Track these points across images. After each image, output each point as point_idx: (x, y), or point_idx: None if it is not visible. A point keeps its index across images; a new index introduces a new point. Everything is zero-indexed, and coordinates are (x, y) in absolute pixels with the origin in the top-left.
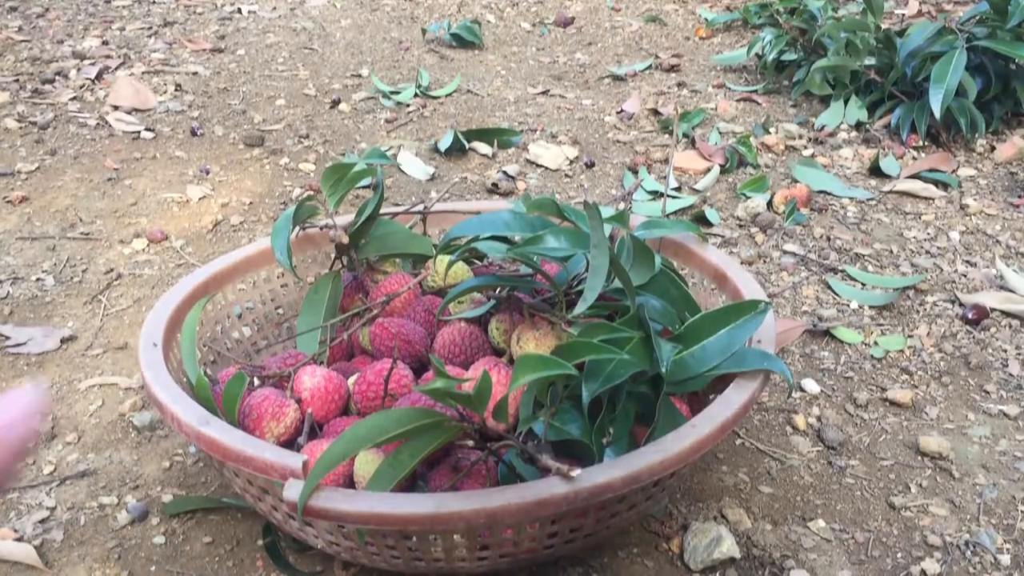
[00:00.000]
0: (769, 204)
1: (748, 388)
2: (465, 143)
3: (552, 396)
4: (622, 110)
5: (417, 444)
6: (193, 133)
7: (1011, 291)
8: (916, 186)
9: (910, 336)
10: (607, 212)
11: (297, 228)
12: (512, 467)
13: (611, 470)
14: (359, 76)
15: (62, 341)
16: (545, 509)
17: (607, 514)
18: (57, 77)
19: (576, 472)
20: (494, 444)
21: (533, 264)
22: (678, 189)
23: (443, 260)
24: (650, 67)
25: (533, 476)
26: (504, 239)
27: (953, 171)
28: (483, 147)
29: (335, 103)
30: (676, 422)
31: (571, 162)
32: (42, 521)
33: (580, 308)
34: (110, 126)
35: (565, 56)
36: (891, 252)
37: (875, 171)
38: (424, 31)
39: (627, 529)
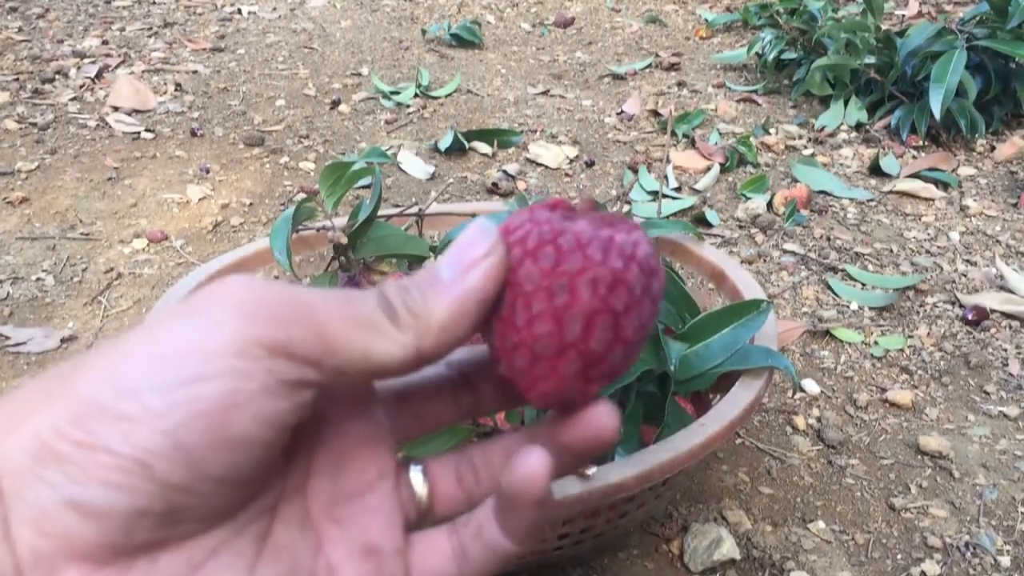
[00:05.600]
0: (769, 205)
1: (755, 386)
2: (465, 143)
3: None
4: (622, 111)
5: (431, 447)
6: (193, 133)
7: (1011, 291)
8: (916, 186)
9: (910, 336)
10: None
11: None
12: None
13: (624, 468)
14: (359, 76)
15: (62, 341)
16: (559, 509)
17: (617, 514)
18: (57, 77)
19: (592, 470)
20: None
21: None
22: (678, 189)
23: None
24: (650, 66)
25: None
26: None
27: (953, 170)
28: (483, 146)
29: (335, 103)
30: (684, 421)
31: (571, 161)
32: None
33: None
34: (110, 126)
35: (565, 56)
36: (891, 252)
37: (875, 171)
38: (424, 31)
39: (627, 530)
